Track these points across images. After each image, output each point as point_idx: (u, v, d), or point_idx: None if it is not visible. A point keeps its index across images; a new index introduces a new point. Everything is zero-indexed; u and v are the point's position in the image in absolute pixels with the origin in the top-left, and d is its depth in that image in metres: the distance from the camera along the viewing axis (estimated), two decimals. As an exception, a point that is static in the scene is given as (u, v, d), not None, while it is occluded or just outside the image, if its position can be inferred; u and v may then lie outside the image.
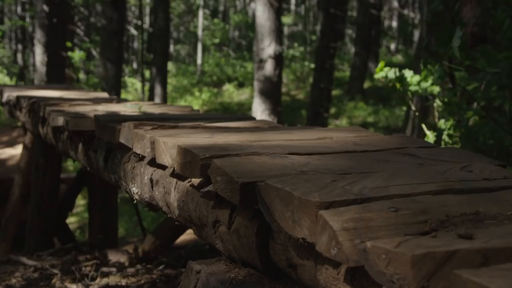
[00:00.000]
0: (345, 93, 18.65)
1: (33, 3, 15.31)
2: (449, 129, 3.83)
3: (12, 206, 5.01)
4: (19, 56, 26.26)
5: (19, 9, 25.27)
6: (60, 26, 9.87)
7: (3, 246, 5.04)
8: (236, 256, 1.29)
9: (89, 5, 20.17)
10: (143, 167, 1.84)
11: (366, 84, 19.08)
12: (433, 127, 4.22)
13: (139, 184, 1.86)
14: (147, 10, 23.98)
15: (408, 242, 0.81)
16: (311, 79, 19.27)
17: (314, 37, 23.18)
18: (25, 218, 4.36)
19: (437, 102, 4.09)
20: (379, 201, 0.98)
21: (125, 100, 3.87)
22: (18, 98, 4.25)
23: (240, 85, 20.72)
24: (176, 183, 1.58)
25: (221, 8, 33.08)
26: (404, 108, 16.62)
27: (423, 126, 4.28)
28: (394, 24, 27.95)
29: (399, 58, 24.59)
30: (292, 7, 29.24)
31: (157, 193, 1.71)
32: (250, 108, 17.14)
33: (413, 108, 4.24)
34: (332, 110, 15.13)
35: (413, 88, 3.94)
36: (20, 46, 26.60)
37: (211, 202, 1.35)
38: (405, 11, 26.84)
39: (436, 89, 3.88)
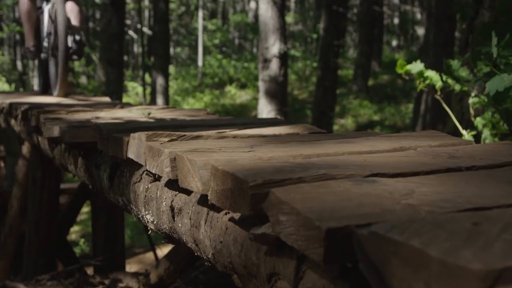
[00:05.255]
0: (348, 92, 18.31)
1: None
2: (490, 127, 3.47)
3: (11, 220, 4.66)
4: (18, 62, 25.92)
5: (17, 14, 24.94)
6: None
7: (2, 264, 4.68)
8: (305, 324, 0.89)
9: (87, 8, 19.81)
10: (159, 189, 1.44)
11: (370, 82, 18.76)
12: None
13: (155, 211, 1.47)
14: (146, 13, 23.62)
15: None
16: (313, 79, 18.92)
17: (315, 36, 22.83)
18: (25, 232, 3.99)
19: (473, 99, 3.70)
20: None
21: (129, 105, 3.48)
22: (11, 105, 3.86)
23: (242, 86, 20.36)
24: (208, 214, 1.18)
25: (220, 9, 32.75)
26: (411, 105, 16.26)
27: (458, 124, 3.90)
28: (396, 21, 27.56)
29: (401, 55, 24.20)
30: (292, 5, 28.87)
31: (180, 225, 1.31)
32: (253, 109, 16.80)
33: (455, 106, 3.84)
34: (337, 109, 14.77)
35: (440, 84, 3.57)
36: (20, 52, 26.28)
37: (265, 246, 0.95)
38: (408, 7, 26.45)
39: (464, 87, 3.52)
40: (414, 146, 1.25)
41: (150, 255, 7.22)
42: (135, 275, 3.38)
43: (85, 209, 9.20)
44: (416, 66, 3.53)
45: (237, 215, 1.06)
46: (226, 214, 1.12)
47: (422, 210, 0.77)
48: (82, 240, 8.93)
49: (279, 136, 1.58)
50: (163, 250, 5.32)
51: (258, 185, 0.92)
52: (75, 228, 9.00)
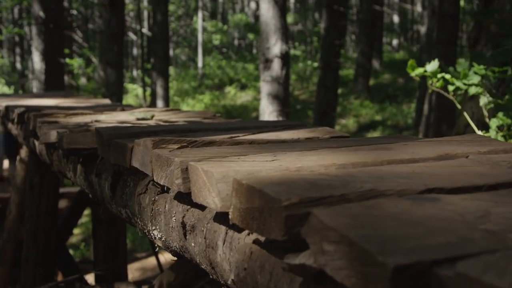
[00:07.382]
0: (349, 92, 18.19)
1: (29, 10, 14.79)
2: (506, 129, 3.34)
3: (10, 226, 4.51)
4: (18, 64, 25.78)
5: (16, 17, 24.83)
6: (57, 32, 9.34)
7: (0, 271, 4.54)
8: None
9: (87, 9, 19.67)
10: (168, 203, 1.28)
11: (371, 82, 18.65)
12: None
13: (163, 227, 1.31)
14: (145, 14, 23.49)
15: None
16: (314, 79, 18.78)
17: (316, 39, 22.70)
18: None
19: (487, 99, 3.56)
20: None
21: (131, 107, 3.32)
22: (7, 108, 3.71)
23: (242, 87, 20.22)
24: (227, 233, 1.02)
25: (219, 10, 32.66)
26: (413, 105, 16.10)
27: (473, 125, 3.75)
28: (396, 19, 27.41)
29: (401, 54, 24.04)
30: (292, 5, 28.73)
31: (192, 244, 1.15)
32: (254, 110, 16.64)
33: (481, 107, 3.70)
34: (338, 109, 14.66)
35: (458, 84, 3.43)
36: (18, 54, 26.21)
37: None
38: (408, 6, 26.31)
39: (479, 89, 3.39)
40: (461, 152, 1.09)
41: (152, 260, 7.07)
42: (138, 285, 3.22)
43: (86, 211, 9.06)
44: (432, 66, 3.41)
45: (263, 237, 0.90)
46: (248, 234, 0.96)
47: (510, 239, 0.61)
48: (83, 244, 8.79)
49: (300, 141, 1.42)
50: (166, 256, 5.17)
51: (294, 205, 0.76)
52: (75, 231, 8.86)
